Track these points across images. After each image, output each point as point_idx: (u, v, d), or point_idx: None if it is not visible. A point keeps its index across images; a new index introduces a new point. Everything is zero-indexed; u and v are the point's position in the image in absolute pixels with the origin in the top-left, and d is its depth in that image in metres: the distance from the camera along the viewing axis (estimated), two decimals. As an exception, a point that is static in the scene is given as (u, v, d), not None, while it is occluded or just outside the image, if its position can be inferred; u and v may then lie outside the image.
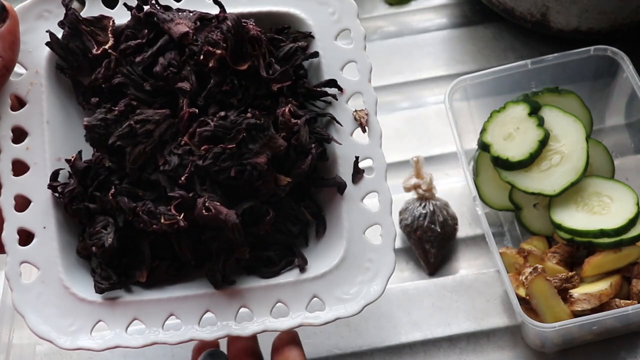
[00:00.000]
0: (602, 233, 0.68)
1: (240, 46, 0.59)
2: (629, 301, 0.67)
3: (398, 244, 0.77)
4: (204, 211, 0.55)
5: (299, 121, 0.59)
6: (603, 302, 0.67)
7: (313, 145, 0.60)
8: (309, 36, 0.63)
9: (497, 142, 0.74)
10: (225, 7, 0.61)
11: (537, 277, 0.67)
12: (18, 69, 0.61)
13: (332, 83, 0.62)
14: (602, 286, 0.67)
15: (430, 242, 0.74)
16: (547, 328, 0.64)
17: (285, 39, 0.63)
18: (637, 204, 0.70)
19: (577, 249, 0.72)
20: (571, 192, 0.72)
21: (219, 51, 0.59)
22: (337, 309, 0.58)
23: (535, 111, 0.74)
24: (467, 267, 0.76)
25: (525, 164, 0.72)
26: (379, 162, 0.61)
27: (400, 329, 0.72)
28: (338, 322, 0.72)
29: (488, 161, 0.74)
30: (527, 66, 0.76)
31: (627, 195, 0.71)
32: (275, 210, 0.60)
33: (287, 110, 0.59)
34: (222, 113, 0.58)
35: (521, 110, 0.74)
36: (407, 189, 0.76)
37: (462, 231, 0.77)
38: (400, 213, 0.77)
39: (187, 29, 0.60)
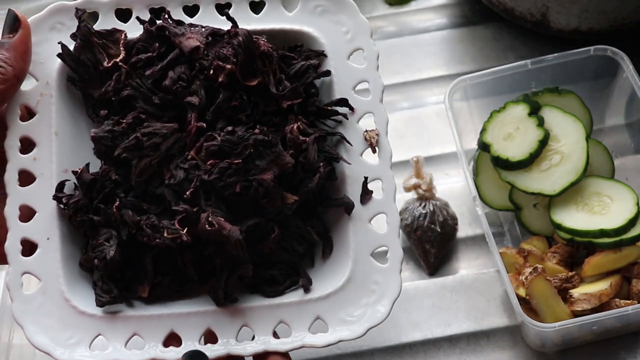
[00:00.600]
0: (602, 233, 0.68)
1: (250, 62, 0.59)
2: (629, 301, 0.67)
3: (398, 244, 0.77)
4: (207, 226, 0.55)
5: (307, 139, 0.58)
6: (603, 302, 0.67)
7: (321, 164, 0.59)
8: (321, 54, 0.63)
9: (497, 142, 0.74)
10: (238, 24, 0.61)
11: (537, 277, 0.67)
12: (29, 79, 0.61)
13: (343, 102, 0.61)
14: (602, 286, 0.67)
15: (430, 242, 0.75)
16: (547, 328, 0.64)
17: (298, 56, 0.62)
18: (637, 204, 0.70)
19: (577, 249, 0.72)
20: (571, 192, 0.72)
21: (229, 66, 0.58)
22: (340, 330, 0.57)
23: (535, 111, 0.74)
24: (467, 267, 0.76)
25: (525, 164, 0.72)
26: (388, 184, 0.60)
27: (400, 329, 0.72)
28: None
29: (488, 161, 0.74)
30: (527, 66, 0.76)
31: (627, 195, 0.71)
32: (281, 228, 0.59)
33: (295, 127, 0.59)
34: (230, 128, 0.57)
35: (521, 110, 0.74)
36: (407, 189, 0.76)
37: (462, 231, 0.77)
38: (400, 213, 0.77)
39: (198, 44, 0.59)
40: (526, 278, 0.68)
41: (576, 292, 0.68)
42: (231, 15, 0.61)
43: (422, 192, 0.75)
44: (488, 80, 0.77)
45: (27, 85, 0.61)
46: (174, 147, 0.58)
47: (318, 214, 0.61)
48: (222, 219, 0.55)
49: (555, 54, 0.76)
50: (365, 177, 0.60)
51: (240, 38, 0.58)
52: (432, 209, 0.75)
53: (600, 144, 0.76)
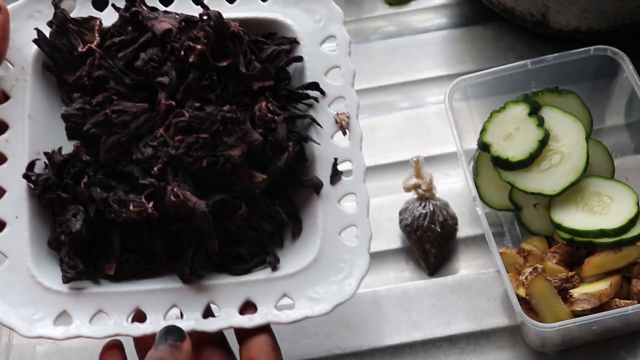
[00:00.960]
0: (602, 233, 0.68)
1: (221, 43, 0.60)
2: (629, 301, 0.67)
3: (398, 244, 0.77)
4: (172, 197, 0.55)
5: (277, 118, 0.59)
6: (603, 302, 0.67)
7: (290, 144, 0.60)
8: (294, 42, 0.64)
9: (497, 142, 0.74)
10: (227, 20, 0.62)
11: (537, 277, 0.67)
12: (5, 65, 0.62)
13: (314, 86, 0.63)
14: (602, 286, 0.67)
15: (430, 242, 0.75)
16: (547, 328, 0.64)
17: (270, 43, 0.64)
18: (637, 204, 0.70)
19: (577, 249, 0.72)
20: (571, 192, 0.72)
21: (199, 46, 0.59)
22: (306, 307, 0.57)
23: (535, 111, 0.74)
24: (467, 267, 0.76)
25: (525, 164, 0.72)
26: (358, 165, 0.61)
27: (400, 329, 0.72)
28: (338, 322, 0.73)
29: (488, 161, 0.74)
30: (527, 66, 0.76)
31: (627, 195, 0.71)
32: (249, 207, 0.59)
33: (264, 105, 0.59)
34: (198, 104, 0.58)
35: (521, 110, 0.74)
36: (407, 189, 0.76)
37: (462, 231, 0.77)
38: (400, 213, 0.77)
39: (170, 26, 0.61)
40: (526, 278, 0.67)
41: (576, 292, 0.67)
42: (206, 4, 0.63)
43: (422, 192, 0.75)
44: (488, 80, 0.77)
45: (2, 70, 0.62)
46: (144, 126, 0.59)
47: (288, 194, 0.62)
48: (189, 193, 0.56)
49: (555, 54, 0.76)
50: (335, 158, 0.61)
51: (211, 20, 0.59)
52: (432, 209, 0.75)
53: (600, 144, 0.76)
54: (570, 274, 0.69)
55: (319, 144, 0.61)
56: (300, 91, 0.63)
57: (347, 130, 0.62)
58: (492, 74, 0.76)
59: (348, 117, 0.62)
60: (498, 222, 0.77)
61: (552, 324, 0.64)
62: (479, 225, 0.76)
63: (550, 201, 0.72)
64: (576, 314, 0.67)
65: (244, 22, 0.63)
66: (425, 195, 0.75)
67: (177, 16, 0.62)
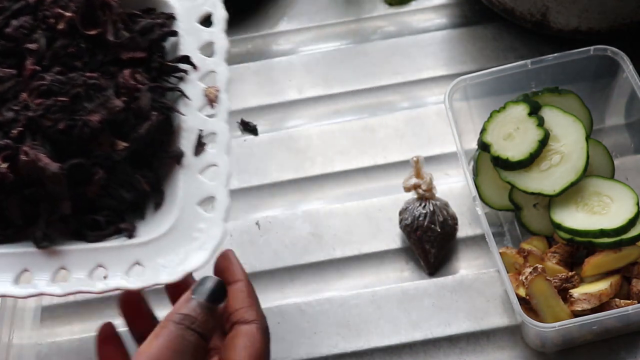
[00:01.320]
0: (602, 233, 0.68)
1: (91, 11, 0.61)
2: (629, 301, 0.67)
3: (398, 244, 0.77)
4: (23, 157, 0.55)
5: (141, 86, 0.60)
6: (603, 302, 0.67)
7: (155, 113, 0.60)
8: (170, 17, 0.66)
9: (497, 142, 0.73)
10: None
11: (537, 277, 0.67)
12: None
13: (186, 59, 0.64)
14: (602, 286, 0.67)
15: (430, 242, 0.74)
16: (547, 328, 0.64)
17: (147, 17, 0.65)
18: (637, 204, 0.70)
19: (577, 249, 0.72)
20: (571, 192, 0.72)
21: (68, 14, 0.60)
22: (156, 275, 0.57)
23: (535, 111, 0.74)
24: (467, 267, 0.76)
25: (525, 164, 0.72)
26: (222, 137, 0.61)
27: (400, 329, 0.72)
28: (338, 322, 0.73)
29: (488, 161, 0.74)
30: (527, 66, 0.76)
31: (627, 195, 0.71)
32: (109, 174, 0.59)
33: (127, 73, 0.60)
34: (59, 68, 0.59)
35: (521, 110, 0.74)
36: (407, 189, 0.76)
37: (462, 231, 0.77)
38: (400, 213, 0.77)
39: None
40: (526, 278, 0.67)
41: (576, 292, 0.67)
42: None
43: (422, 192, 0.75)
44: (488, 80, 0.77)
45: None
46: (10, 91, 0.59)
47: (152, 165, 0.62)
48: (42, 155, 0.56)
49: (555, 54, 0.76)
50: (200, 130, 0.61)
51: None
52: (432, 209, 0.75)
53: (600, 144, 0.76)
54: (570, 274, 0.69)
55: (183, 114, 0.62)
56: (171, 64, 0.63)
57: (214, 104, 0.62)
58: (492, 74, 0.76)
59: (217, 91, 0.63)
60: (498, 222, 0.77)
61: (552, 324, 0.64)
62: (479, 225, 0.76)
63: (550, 201, 0.72)
64: (576, 314, 0.67)
65: None
66: (425, 195, 0.75)
67: None
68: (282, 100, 0.89)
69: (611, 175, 0.75)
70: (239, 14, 0.95)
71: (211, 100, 0.63)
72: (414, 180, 0.76)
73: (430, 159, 0.81)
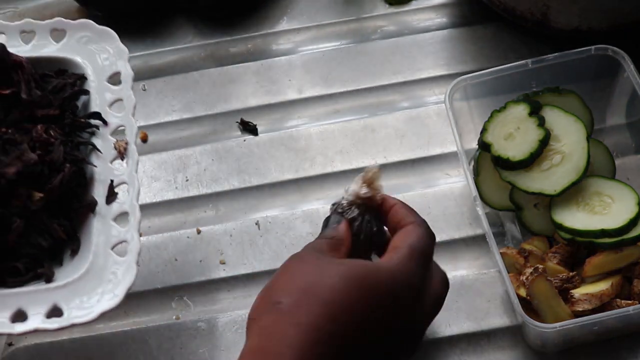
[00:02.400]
0: (603, 233, 0.68)
1: (4, 72, 0.67)
2: (630, 301, 0.67)
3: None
4: None
5: (54, 141, 0.65)
6: (604, 302, 0.67)
7: (67, 165, 0.65)
8: (81, 77, 0.71)
9: (498, 141, 0.73)
10: (11, 51, 0.69)
11: (537, 278, 0.67)
12: None
13: (97, 115, 0.69)
14: (603, 286, 0.67)
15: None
16: (548, 328, 0.64)
17: (63, 79, 0.70)
18: (638, 204, 0.70)
19: (578, 249, 0.71)
20: (572, 192, 0.72)
21: None
22: (74, 316, 0.61)
23: (535, 111, 0.74)
24: (467, 267, 0.76)
25: (526, 164, 0.72)
26: (132, 186, 0.66)
27: (400, 330, 0.72)
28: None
29: (488, 161, 0.74)
30: (528, 66, 0.76)
31: (628, 195, 0.71)
32: (27, 223, 0.63)
33: (39, 127, 0.65)
34: None
35: (522, 110, 0.74)
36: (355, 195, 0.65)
37: (463, 231, 0.77)
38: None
39: None
40: (527, 278, 0.67)
41: (577, 292, 0.67)
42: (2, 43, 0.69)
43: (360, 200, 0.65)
44: (488, 80, 0.76)
45: None
46: None
47: (68, 213, 0.66)
48: None
49: (556, 54, 0.76)
50: (111, 180, 0.67)
51: None
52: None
53: (601, 143, 0.76)
54: (571, 274, 0.69)
55: (95, 166, 0.67)
56: (83, 120, 0.69)
57: (124, 156, 0.68)
58: (492, 74, 0.76)
59: (126, 144, 0.68)
60: (498, 222, 0.77)
61: (553, 324, 0.64)
62: (480, 225, 0.76)
63: (551, 201, 0.72)
64: (577, 314, 0.67)
65: (39, 61, 0.71)
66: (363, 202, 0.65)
67: None
68: (282, 100, 0.88)
69: (612, 175, 0.75)
70: (239, 14, 0.95)
71: (121, 152, 0.68)
72: (364, 190, 0.65)
73: (430, 159, 0.81)
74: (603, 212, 0.70)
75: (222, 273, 0.77)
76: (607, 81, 0.77)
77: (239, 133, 0.87)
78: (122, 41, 0.73)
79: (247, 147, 0.85)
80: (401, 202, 0.64)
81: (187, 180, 0.83)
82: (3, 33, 0.74)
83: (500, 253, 0.69)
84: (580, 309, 0.67)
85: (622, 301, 0.67)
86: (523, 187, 0.72)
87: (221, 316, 0.74)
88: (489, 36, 0.91)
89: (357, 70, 0.90)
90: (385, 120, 0.86)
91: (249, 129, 0.86)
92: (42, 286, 0.63)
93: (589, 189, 0.72)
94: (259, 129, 0.86)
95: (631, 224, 0.69)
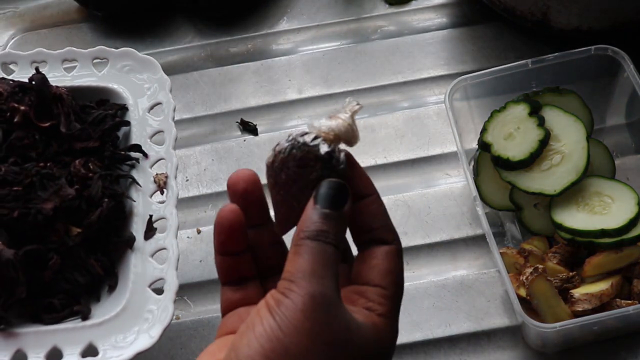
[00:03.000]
0: (603, 233, 0.68)
1: (44, 104, 0.66)
2: (629, 301, 0.67)
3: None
4: None
5: (93, 175, 0.64)
6: (604, 302, 0.67)
7: (106, 200, 0.64)
8: (123, 108, 0.71)
9: (498, 141, 0.73)
10: (52, 83, 0.68)
11: (537, 278, 0.67)
12: None
13: (137, 148, 0.68)
14: (603, 286, 0.67)
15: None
16: (548, 328, 0.64)
17: (103, 110, 0.70)
18: (638, 204, 0.70)
19: (578, 249, 0.71)
20: (572, 192, 0.72)
21: (22, 107, 0.65)
22: (110, 355, 0.60)
23: (535, 111, 0.74)
24: (467, 267, 0.76)
25: (526, 164, 0.72)
26: (171, 222, 0.65)
27: (400, 329, 0.72)
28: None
29: (488, 161, 0.74)
30: (528, 66, 0.76)
31: (628, 195, 0.71)
32: (64, 259, 0.62)
33: (78, 162, 0.65)
34: (12, 159, 0.63)
35: (522, 109, 0.74)
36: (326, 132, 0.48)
37: (463, 231, 0.77)
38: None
39: (1, 90, 0.66)
40: (527, 278, 0.67)
41: (577, 292, 0.67)
42: (39, 69, 0.69)
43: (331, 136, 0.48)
44: (488, 80, 0.76)
45: None
46: None
47: (106, 248, 0.65)
48: None
49: (556, 54, 0.76)
50: (150, 215, 0.66)
51: (34, 82, 0.65)
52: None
53: (601, 143, 0.76)
54: (571, 274, 0.69)
55: (134, 200, 0.66)
56: (123, 152, 0.68)
57: (164, 190, 0.67)
58: (492, 74, 0.76)
59: (166, 177, 0.67)
60: (498, 222, 0.77)
61: (552, 324, 0.64)
62: (480, 225, 0.76)
63: (551, 201, 0.72)
64: (577, 314, 0.67)
65: (80, 90, 0.71)
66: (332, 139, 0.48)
67: (11, 82, 0.68)
68: (282, 100, 0.88)
69: (612, 175, 0.75)
70: (239, 14, 0.95)
71: (160, 186, 0.67)
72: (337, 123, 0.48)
73: (430, 159, 0.81)
74: (603, 212, 0.70)
75: (222, 273, 0.77)
76: (607, 81, 0.77)
77: (239, 133, 0.87)
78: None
79: (247, 147, 0.85)
80: (378, 195, 0.50)
81: (187, 180, 0.83)
82: (45, 62, 0.73)
83: (500, 253, 0.69)
84: (580, 309, 0.67)
85: (622, 301, 0.67)
86: (523, 187, 0.72)
87: (221, 316, 0.74)
88: (489, 36, 0.91)
89: (357, 70, 0.90)
90: (385, 120, 0.86)
91: (249, 129, 0.86)
92: (78, 324, 0.62)
93: (589, 189, 0.72)
94: (259, 129, 0.86)
95: (631, 224, 0.69)
